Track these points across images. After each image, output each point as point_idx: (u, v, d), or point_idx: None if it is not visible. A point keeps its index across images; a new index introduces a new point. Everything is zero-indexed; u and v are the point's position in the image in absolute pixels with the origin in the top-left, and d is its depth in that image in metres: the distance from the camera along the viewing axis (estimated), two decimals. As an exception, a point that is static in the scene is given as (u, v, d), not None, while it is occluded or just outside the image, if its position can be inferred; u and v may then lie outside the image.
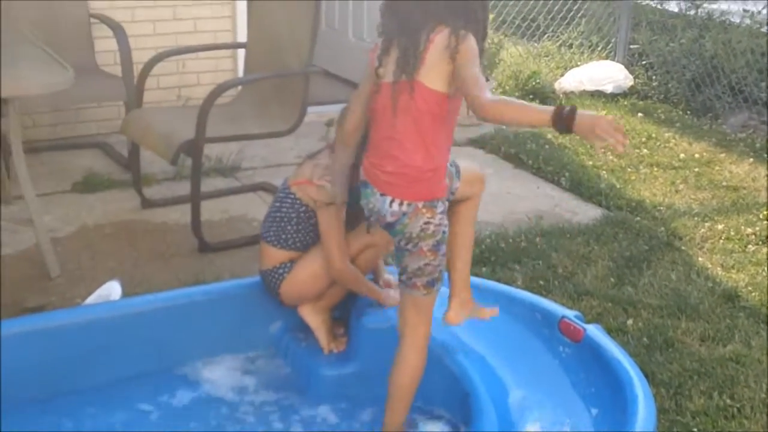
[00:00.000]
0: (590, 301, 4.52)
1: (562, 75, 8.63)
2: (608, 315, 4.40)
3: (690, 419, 3.67)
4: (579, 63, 8.94)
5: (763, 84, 7.76)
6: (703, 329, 4.33)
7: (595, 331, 3.56)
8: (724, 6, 8.67)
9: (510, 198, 5.80)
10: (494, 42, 7.74)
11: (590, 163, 6.54)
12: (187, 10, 6.83)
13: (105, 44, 6.24)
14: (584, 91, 8.31)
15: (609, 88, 8.34)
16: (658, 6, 9.06)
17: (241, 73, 6.25)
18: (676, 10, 8.90)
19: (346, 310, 3.79)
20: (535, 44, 9.48)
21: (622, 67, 8.62)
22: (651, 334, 4.25)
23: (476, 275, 4.34)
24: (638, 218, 5.57)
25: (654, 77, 8.52)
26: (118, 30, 5.94)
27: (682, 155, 6.84)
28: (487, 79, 7.47)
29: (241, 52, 5.97)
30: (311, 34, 5.14)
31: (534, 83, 8.34)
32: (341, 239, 3.57)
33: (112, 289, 3.91)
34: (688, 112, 8.00)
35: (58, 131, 6.60)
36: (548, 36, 9.58)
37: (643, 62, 8.70)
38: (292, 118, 5.24)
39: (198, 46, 6.29)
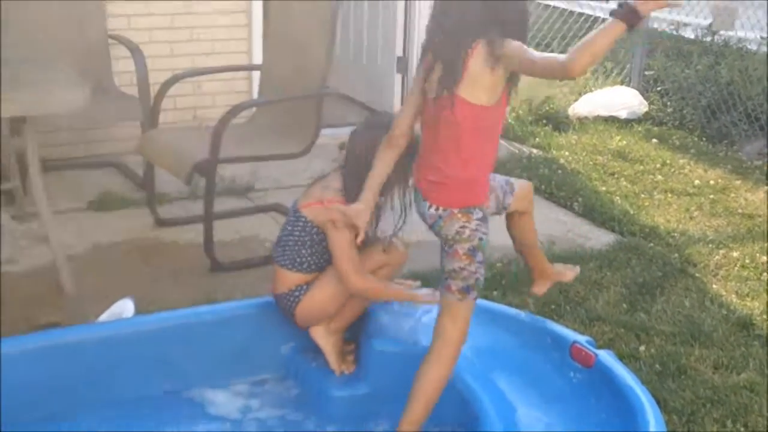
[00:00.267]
0: (602, 326, 4.51)
1: (576, 100, 8.63)
2: (620, 341, 4.39)
3: (702, 447, 3.67)
4: (593, 88, 8.93)
5: (779, 111, 7.76)
6: (716, 357, 4.31)
7: (606, 356, 3.55)
8: (740, 33, 8.67)
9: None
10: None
11: (603, 188, 6.53)
12: (204, 32, 6.87)
13: (123, 65, 6.27)
14: (598, 116, 8.31)
15: (623, 114, 8.33)
16: (674, 32, 9.05)
17: (255, 95, 6.27)
18: (692, 36, 8.89)
19: (356, 331, 3.79)
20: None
21: (637, 92, 8.61)
22: (663, 360, 4.23)
23: (487, 299, 4.36)
24: (652, 244, 5.55)
25: (669, 103, 8.51)
26: (135, 51, 5.97)
27: (696, 182, 6.83)
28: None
29: (256, 74, 5.99)
30: (326, 56, 5.16)
31: (548, 108, 8.34)
32: (355, 257, 3.57)
33: (125, 307, 3.91)
34: (704, 139, 7.98)
35: (74, 150, 6.62)
36: (563, 61, 9.59)
37: (658, 88, 8.69)
38: (305, 140, 5.25)
39: (214, 68, 6.31)
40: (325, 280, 3.67)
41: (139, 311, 3.97)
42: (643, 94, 8.62)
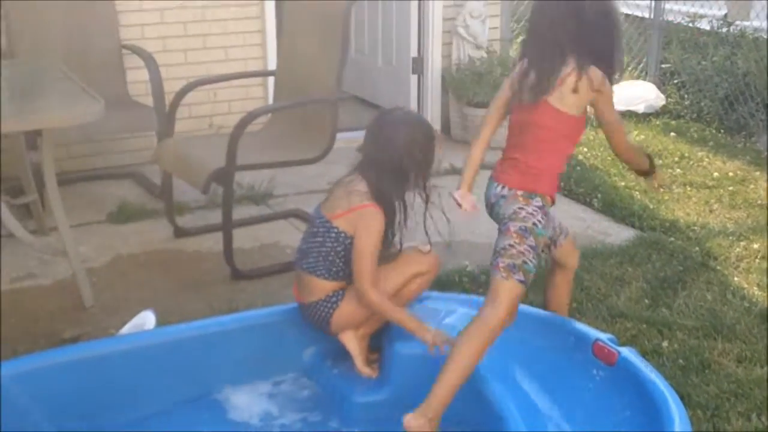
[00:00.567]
0: (624, 323, 4.49)
1: (593, 96, 8.59)
2: (643, 337, 4.37)
3: (728, 442, 3.64)
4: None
5: (797, 101, 7.72)
6: (739, 350, 4.29)
7: (629, 354, 3.53)
8: (756, 23, 8.62)
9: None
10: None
11: (622, 184, 6.51)
12: (218, 39, 6.88)
13: (137, 75, 6.29)
14: (616, 110, 8.26)
15: (641, 108, 8.31)
16: (690, 24, 9.02)
17: (271, 101, 6.27)
18: (707, 27, 8.86)
19: (379, 336, 3.78)
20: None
21: (654, 86, 8.59)
22: (687, 355, 4.21)
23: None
24: (672, 239, 5.53)
25: (686, 96, 8.48)
26: (149, 60, 5.99)
27: (715, 174, 6.80)
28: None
29: (272, 80, 5.99)
30: (340, 60, 5.15)
31: (565, 104, 8.30)
32: (374, 269, 3.56)
33: (147, 319, 3.92)
34: (722, 131, 7.95)
35: (91, 162, 6.65)
36: (579, 57, 9.56)
37: (675, 81, 8.66)
38: (322, 145, 5.24)
39: (228, 75, 6.32)
40: None
41: (160, 322, 3.97)
42: (660, 88, 8.60)
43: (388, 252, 3.68)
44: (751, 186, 6.58)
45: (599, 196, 6.17)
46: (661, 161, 7.05)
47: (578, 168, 6.71)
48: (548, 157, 3.63)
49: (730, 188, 6.51)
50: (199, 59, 6.81)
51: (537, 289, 4.76)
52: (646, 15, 9.07)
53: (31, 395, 3.36)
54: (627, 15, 9.66)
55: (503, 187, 3.63)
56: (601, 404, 3.46)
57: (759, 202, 6.24)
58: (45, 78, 4.99)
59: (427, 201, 3.69)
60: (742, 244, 5.49)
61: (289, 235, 5.54)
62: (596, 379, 3.55)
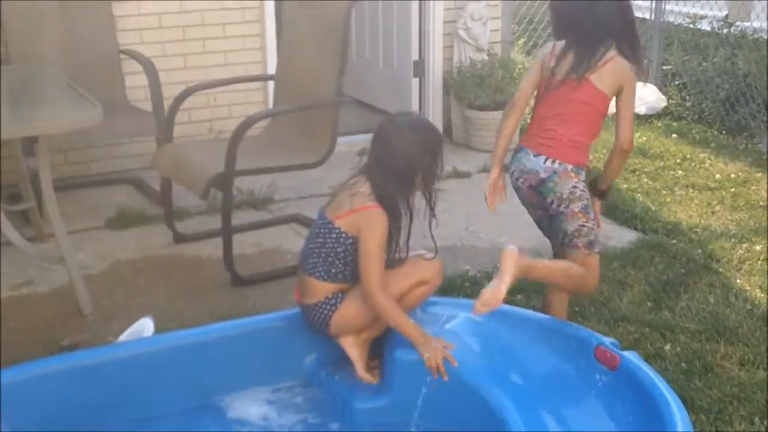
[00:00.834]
0: (627, 326, 4.47)
1: (594, 98, 8.57)
2: (645, 340, 4.35)
3: (731, 446, 3.62)
4: (612, 85, 8.88)
5: (799, 101, 7.69)
6: (742, 353, 4.27)
7: (631, 358, 3.50)
8: (756, 24, 8.60)
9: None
10: (525, 66, 7.72)
11: (625, 186, 6.49)
12: (217, 43, 6.86)
13: (135, 80, 6.27)
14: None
15: (642, 110, 8.28)
16: (690, 25, 8.99)
17: (271, 105, 6.25)
18: (708, 29, 8.83)
19: (380, 343, 3.76)
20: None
21: (655, 88, 8.56)
22: (689, 359, 4.19)
23: (511, 303, 4.33)
24: (674, 241, 5.51)
25: (687, 97, 8.46)
26: (147, 65, 5.97)
27: (717, 176, 6.78)
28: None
29: (272, 84, 5.97)
30: (340, 64, 5.14)
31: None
32: (382, 270, 3.55)
33: (145, 326, 3.89)
34: (723, 132, 7.93)
35: (90, 168, 6.64)
36: (580, 59, 9.53)
37: (676, 82, 8.64)
38: (322, 149, 5.23)
39: (227, 79, 6.28)
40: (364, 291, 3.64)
41: (159, 329, 3.96)
42: (661, 89, 8.58)
43: (392, 258, 3.65)
44: (753, 187, 6.56)
45: (601, 198, 6.15)
46: (663, 163, 7.04)
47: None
48: (587, 132, 3.97)
49: (732, 190, 6.48)
50: (198, 64, 6.79)
51: (539, 294, 4.75)
52: (647, 16, 9.04)
53: (29, 403, 3.34)
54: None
55: (553, 162, 3.88)
56: (604, 409, 3.44)
57: (761, 203, 6.22)
58: (42, 84, 4.97)
59: (432, 208, 3.66)
60: (745, 246, 5.47)
61: (290, 241, 5.52)
62: (599, 383, 3.52)
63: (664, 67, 8.82)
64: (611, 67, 3.88)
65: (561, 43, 3.97)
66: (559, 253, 4.09)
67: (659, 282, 4.95)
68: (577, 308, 4.59)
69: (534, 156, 3.92)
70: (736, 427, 3.71)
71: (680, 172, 6.87)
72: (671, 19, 9.13)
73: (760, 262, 5.26)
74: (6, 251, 4.93)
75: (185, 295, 4.87)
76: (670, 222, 5.85)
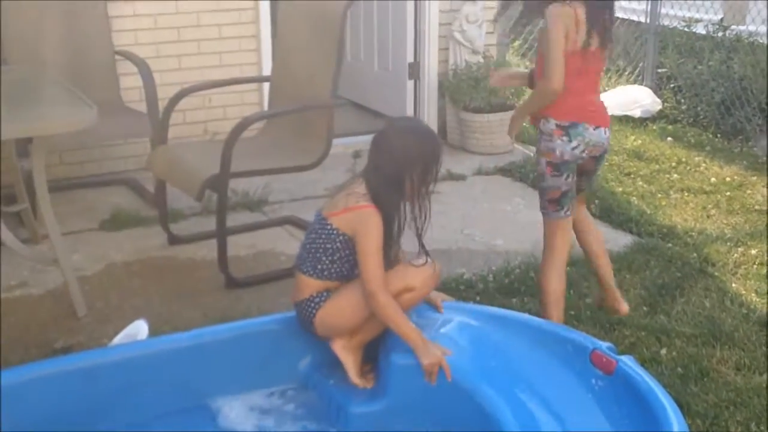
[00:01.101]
0: (623, 330, 4.46)
1: (590, 100, 8.57)
2: (641, 345, 4.35)
3: (727, 451, 3.61)
4: (606, 88, 8.89)
5: (794, 105, 7.69)
6: (738, 357, 4.26)
7: (627, 362, 3.48)
8: (752, 27, 8.60)
9: (539, 227, 5.72)
10: (521, 68, 7.70)
11: (620, 189, 6.48)
12: (212, 44, 6.85)
13: (130, 81, 6.25)
14: (612, 116, 8.24)
15: (637, 113, 8.29)
16: (685, 29, 8.99)
17: (266, 107, 6.23)
18: (703, 32, 8.83)
19: (375, 346, 3.75)
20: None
21: (650, 91, 8.57)
22: (685, 363, 4.18)
23: (506, 307, 4.33)
24: (670, 245, 5.50)
25: (683, 101, 8.46)
26: (142, 66, 5.95)
27: (713, 179, 6.78)
28: (514, 107, 7.45)
29: (267, 86, 5.96)
30: (336, 66, 5.12)
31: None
32: (382, 268, 3.53)
33: (139, 329, 3.88)
34: (718, 135, 7.94)
35: (85, 169, 6.62)
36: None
37: (672, 86, 8.64)
38: (318, 151, 5.21)
39: (222, 81, 6.27)
40: (350, 288, 3.63)
41: (153, 331, 3.94)
42: (656, 92, 8.58)
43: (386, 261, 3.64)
44: (749, 191, 6.56)
45: (597, 201, 6.13)
46: (658, 166, 7.04)
47: (575, 173, 6.68)
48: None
49: (728, 193, 6.48)
50: (193, 65, 6.78)
51: (533, 296, 4.75)
52: (642, 19, 9.05)
53: (23, 406, 3.32)
54: (623, 19, 9.65)
55: (606, 130, 4.16)
56: (600, 413, 3.42)
57: (756, 207, 6.22)
58: (37, 85, 4.96)
59: (423, 215, 3.65)
60: (740, 249, 5.47)
61: (285, 242, 5.51)
62: (595, 388, 3.50)
63: (660, 71, 8.82)
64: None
65: (579, 7, 3.97)
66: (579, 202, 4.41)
67: (655, 286, 4.94)
68: (572, 312, 4.58)
69: (594, 129, 4.08)
70: (732, 432, 3.71)
71: (675, 175, 6.87)
72: (666, 22, 9.14)
73: (755, 266, 5.25)
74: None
75: (180, 297, 4.85)
76: (665, 225, 5.84)
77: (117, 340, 3.83)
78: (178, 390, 3.64)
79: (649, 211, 6.09)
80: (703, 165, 7.13)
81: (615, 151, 7.31)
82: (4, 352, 4.10)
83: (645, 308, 4.72)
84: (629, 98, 8.44)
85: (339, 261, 3.63)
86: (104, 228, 5.73)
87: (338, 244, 3.60)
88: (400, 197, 3.59)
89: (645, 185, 6.61)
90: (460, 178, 6.75)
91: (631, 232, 5.77)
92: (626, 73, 9.13)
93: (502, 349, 3.68)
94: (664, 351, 4.29)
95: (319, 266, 3.63)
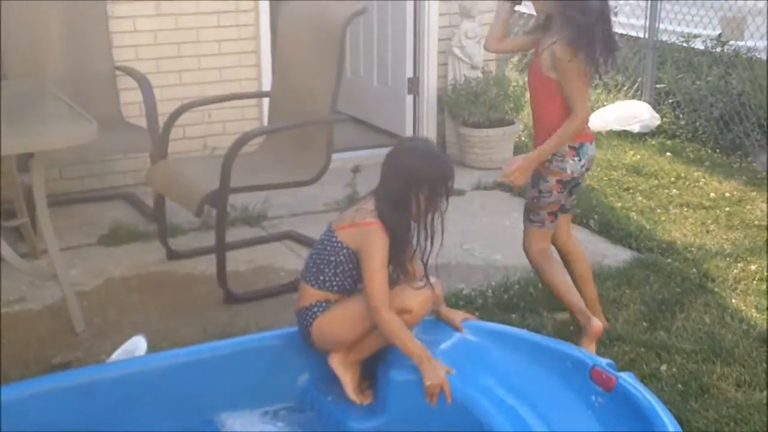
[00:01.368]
0: (622, 346, 4.45)
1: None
2: (641, 361, 4.33)
3: (727, 468, 3.60)
4: (605, 103, 8.90)
5: (793, 120, 7.69)
6: (738, 374, 4.25)
7: (627, 379, 3.49)
8: (750, 43, 8.61)
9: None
10: (520, 84, 7.71)
11: (619, 204, 6.48)
12: (212, 60, 6.85)
13: (130, 96, 6.25)
14: (611, 131, 8.26)
15: (636, 128, 8.29)
16: (684, 44, 9.00)
17: (266, 122, 6.23)
18: (701, 47, 8.84)
19: (373, 362, 3.74)
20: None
21: (649, 106, 8.57)
22: (685, 380, 4.17)
23: (505, 323, 4.32)
24: (669, 260, 5.49)
25: (681, 116, 8.46)
26: (143, 81, 5.96)
27: (712, 194, 6.77)
28: (513, 122, 7.46)
29: (267, 101, 5.97)
30: (335, 81, 5.12)
31: (560, 124, 8.28)
32: (385, 284, 3.54)
33: (138, 345, 3.87)
34: (717, 151, 7.93)
35: (85, 184, 6.62)
36: (574, 76, 9.52)
37: (670, 101, 8.64)
38: (317, 167, 5.21)
39: (222, 96, 6.27)
40: (350, 303, 3.65)
41: (152, 347, 3.94)
42: (655, 108, 8.58)
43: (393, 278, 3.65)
44: (748, 206, 6.55)
45: (596, 217, 6.14)
46: (657, 181, 7.03)
47: (574, 189, 6.67)
48: None
49: (727, 209, 6.47)
50: (193, 80, 6.77)
51: (532, 311, 4.74)
52: (641, 35, 9.05)
53: (20, 422, 3.32)
54: (622, 35, 9.65)
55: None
56: (600, 430, 3.42)
57: (756, 222, 6.21)
58: (38, 100, 4.96)
59: (431, 235, 3.65)
60: (740, 265, 5.46)
61: (284, 258, 5.51)
62: (594, 404, 3.50)
63: (658, 86, 8.82)
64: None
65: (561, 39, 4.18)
66: (562, 221, 4.56)
67: (654, 301, 4.93)
68: (572, 328, 4.57)
69: (591, 144, 4.40)
70: (732, 449, 3.70)
71: (675, 190, 6.87)
72: (665, 38, 9.14)
73: (755, 281, 5.24)
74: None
75: (178, 312, 4.84)
76: (664, 241, 5.83)
77: (115, 356, 3.83)
78: (176, 406, 3.64)
79: (648, 227, 6.08)
80: (702, 180, 7.13)
81: (614, 167, 7.31)
82: (2, 367, 4.08)
83: (645, 324, 4.71)
84: (628, 113, 8.44)
85: (342, 274, 3.65)
86: (103, 243, 5.72)
87: (342, 257, 3.62)
88: (407, 216, 3.59)
89: (644, 200, 6.60)
90: (459, 193, 6.74)
91: (630, 247, 5.77)
92: (625, 88, 9.13)
93: (502, 365, 3.68)
94: (664, 367, 4.28)
95: (322, 277, 3.66)
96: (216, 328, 4.57)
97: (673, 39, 9.19)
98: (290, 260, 5.48)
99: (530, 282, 5.06)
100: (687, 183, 7.05)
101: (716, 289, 5.14)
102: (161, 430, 3.56)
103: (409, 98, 7.78)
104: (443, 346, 3.72)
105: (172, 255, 5.48)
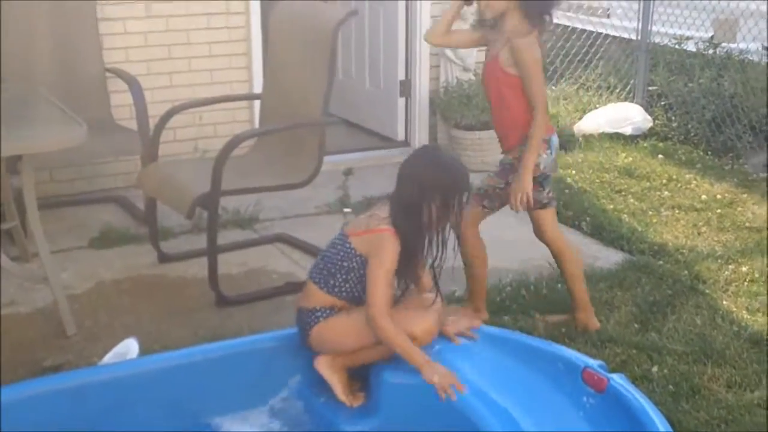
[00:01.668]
0: (614, 348, 4.45)
1: (580, 118, 8.58)
2: (632, 362, 4.33)
3: (718, 469, 3.61)
4: (597, 105, 8.89)
5: (784, 122, 7.69)
6: (729, 375, 4.25)
7: (619, 380, 3.49)
8: (742, 45, 8.62)
9: (530, 244, 5.71)
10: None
11: (611, 206, 6.48)
12: (203, 62, 6.84)
13: (121, 98, 6.24)
14: (603, 133, 8.26)
15: (628, 130, 8.28)
16: (676, 46, 9.00)
17: (257, 124, 6.23)
18: (693, 50, 8.84)
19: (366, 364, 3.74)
20: (553, 87, 9.44)
21: (641, 108, 8.56)
22: (677, 381, 4.17)
23: (497, 325, 4.32)
24: (661, 262, 5.49)
25: (673, 118, 8.46)
26: (133, 83, 5.94)
27: (703, 197, 6.77)
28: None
29: (258, 103, 5.96)
30: (327, 83, 5.12)
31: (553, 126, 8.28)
32: (388, 293, 3.54)
33: (129, 347, 3.87)
34: (709, 153, 7.93)
35: (75, 186, 6.60)
36: (566, 78, 9.54)
37: (662, 103, 8.63)
38: (308, 169, 5.20)
39: (213, 98, 6.27)
40: (355, 315, 3.63)
41: (144, 349, 3.93)
42: (647, 110, 8.57)
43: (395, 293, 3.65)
44: (739, 208, 6.55)
45: (588, 219, 6.14)
46: (649, 183, 7.03)
47: (567, 191, 6.68)
48: None
49: (718, 211, 6.48)
50: (184, 82, 6.77)
51: (524, 314, 4.74)
52: (633, 37, 9.06)
53: (11, 426, 3.30)
54: (614, 37, 9.66)
55: None
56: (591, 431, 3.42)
57: (747, 224, 6.21)
58: (27, 103, 4.94)
59: (441, 247, 3.64)
60: (731, 267, 5.46)
61: (276, 260, 5.50)
62: (586, 406, 3.50)
63: (650, 88, 8.82)
64: None
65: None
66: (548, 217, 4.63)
67: (646, 303, 4.93)
68: (563, 329, 4.57)
69: (555, 135, 4.54)
70: (724, 450, 3.70)
71: (666, 192, 6.87)
72: (657, 40, 9.14)
73: (746, 283, 5.25)
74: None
75: (170, 315, 4.84)
76: (656, 243, 5.83)
77: (107, 358, 3.83)
78: (168, 409, 3.63)
79: (640, 229, 6.08)
80: (694, 182, 7.13)
81: (606, 169, 7.31)
82: (-7, 371, 4.08)
83: (636, 325, 4.71)
84: (620, 115, 8.43)
85: (352, 281, 3.64)
86: (94, 246, 5.71)
87: (354, 264, 3.61)
88: (419, 225, 3.56)
89: (636, 202, 6.60)
90: (452, 195, 6.72)
91: (622, 249, 5.77)
92: (617, 90, 9.12)
93: (494, 367, 3.68)
94: (655, 368, 4.28)
95: (332, 281, 3.64)
96: (208, 331, 4.57)
97: (666, 41, 9.19)
98: (282, 263, 5.48)
99: (522, 284, 5.06)
100: (679, 185, 7.05)
101: (707, 291, 5.14)
102: (153, 433, 3.56)
103: (401, 101, 7.79)
104: (435, 348, 3.71)
105: (164, 258, 5.47)
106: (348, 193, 6.43)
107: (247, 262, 5.51)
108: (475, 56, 7.50)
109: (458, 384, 3.45)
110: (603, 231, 6.00)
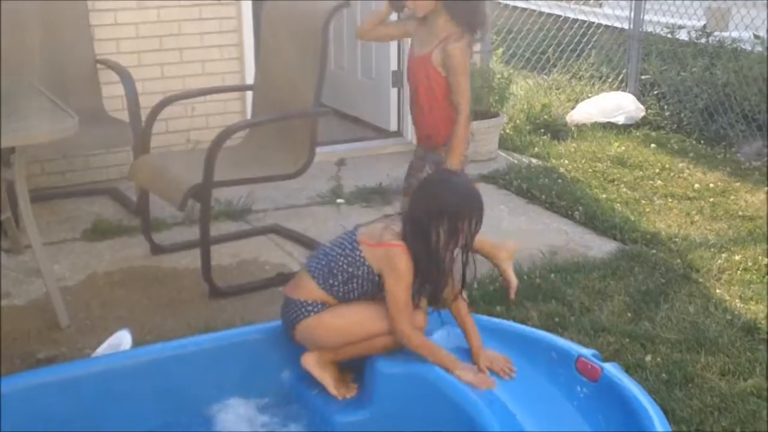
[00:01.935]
0: (607, 337, 4.45)
1: (573, 107, 8.59)
2: (626, 351, 4.33)
3: (712, 457, 3.61)
4: (590, 95, 8.90)
5: (776, 111, 7.70)
6: (722, 363, 4.25)
7: (612, 369, 3.50)
8: (734, 34, 8.63)
9: (523, 233, 5.74)
10: (504, 76, 7.70)
11: (604, 196, 6.48)
12: (194, 53, 6.83)
13: (112, 89, 6.23)
14: (596, 123, 8.26)
15: (621, 120, 8.29)
16: (668, 35, 9.01)
17: (249, 116, 6.22)
18: (686, 39, 8.85)
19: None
20: (546, 77, 9.45)
21: (634, 98, 8.57)
22: (670, 369, 4.17)
23: (491, 314, 4.32)
24: (654, 251, 5.50)
25: (666, 107, 8.47)
26: (124, 75, 5.93)
27: (696, 185, 6.78)
28: (498, 114, 7.45)
29: (250, 94, 5.95)
30: (319, 74, 5.11)
31: (545, 116, 8.30)
32: (409, 303, 3.54)
33: (123, 339, 3.88)
34: (702, 142, 7.94)
35: (67, 178, 6.59)
36: (558, 68, 9.55)
37: (655, 92, 8.65)
38: (301, 160, 5.19)
39: (204, 89, 6.26)
40: (344, 312, 3.63)
41: (137, 341, 3.93)
42: (639, 99, 8.59)
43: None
44: (732, 197, 6.56)
45: (581, 208, 6.14)
46: (642, 173, 7.04)
47: (559, 181, 6.69)
48: None
49: (711, 199, 6.48)
50: (175, 73, 6.75)
51: (518, 305, 4.74)
52: (626, 26, 9.06)
53: (4, 418, 3.30)
54: (606, 26, 9.67)
55: None
56: (585, 420, 3.43)
57: (740, 213, 6.22)
58: (18, 94, 4.92)
59: (444, 271, 3.63)
60: (724, 255, 5.46)
61: (269, 251, 5.50)
62: (580, 395, 3.51)
63: (643, 77, 8.84)
64: None
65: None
66: None
67: (639, 292, 4.94)
68: (557, 319, 4.58)
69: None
70: (717, 438, 3.71)
71: (659, 181, 6.87)
72: (649, 29, 9.15)
73: (739, 271, 5.25)
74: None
75: (163, 307, 4.83)
76: (649, 232, 5.84)
77: (100, 350, 3.83)
78: (161, 401, 3.63)
79: (633, 218, 6.08)
80: (687, 171, 7.14)
81: (598, 158, 7.32)
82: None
83: (629, 315, 4.71)
84: (612, 105, 8.44)
85: (352, 286, 3.62)
86: (87, 238, 5.70)
87: (360, 272, 3.60)
88: (427, 246, 3.54)
89: (629, 192, 6.61)
90: (444, 185, 6.72)
91: (615, 238, 5.77)
92: (609, 79, 9.14)
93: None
94: (648, 357, 4.28)
95: (331, 280, 3.62)
96: (200, 322, 4.56)
97: (658, 30, 9.20)
98: (275, 254, 5.47)
99: (515, 273, 5.05)
100: (671, 174, 7.06)
101: (700, 280, 5.15)
102: (146, 425, 3.55)
103: (394, 91, 7.78)
104: (433, 338, 3.71)
105: (156, 249, 5.46)
106: (341, 183, 6.43)
107: (240, 254, 5.50)
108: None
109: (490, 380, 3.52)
110: (596, 220, 5.99)
